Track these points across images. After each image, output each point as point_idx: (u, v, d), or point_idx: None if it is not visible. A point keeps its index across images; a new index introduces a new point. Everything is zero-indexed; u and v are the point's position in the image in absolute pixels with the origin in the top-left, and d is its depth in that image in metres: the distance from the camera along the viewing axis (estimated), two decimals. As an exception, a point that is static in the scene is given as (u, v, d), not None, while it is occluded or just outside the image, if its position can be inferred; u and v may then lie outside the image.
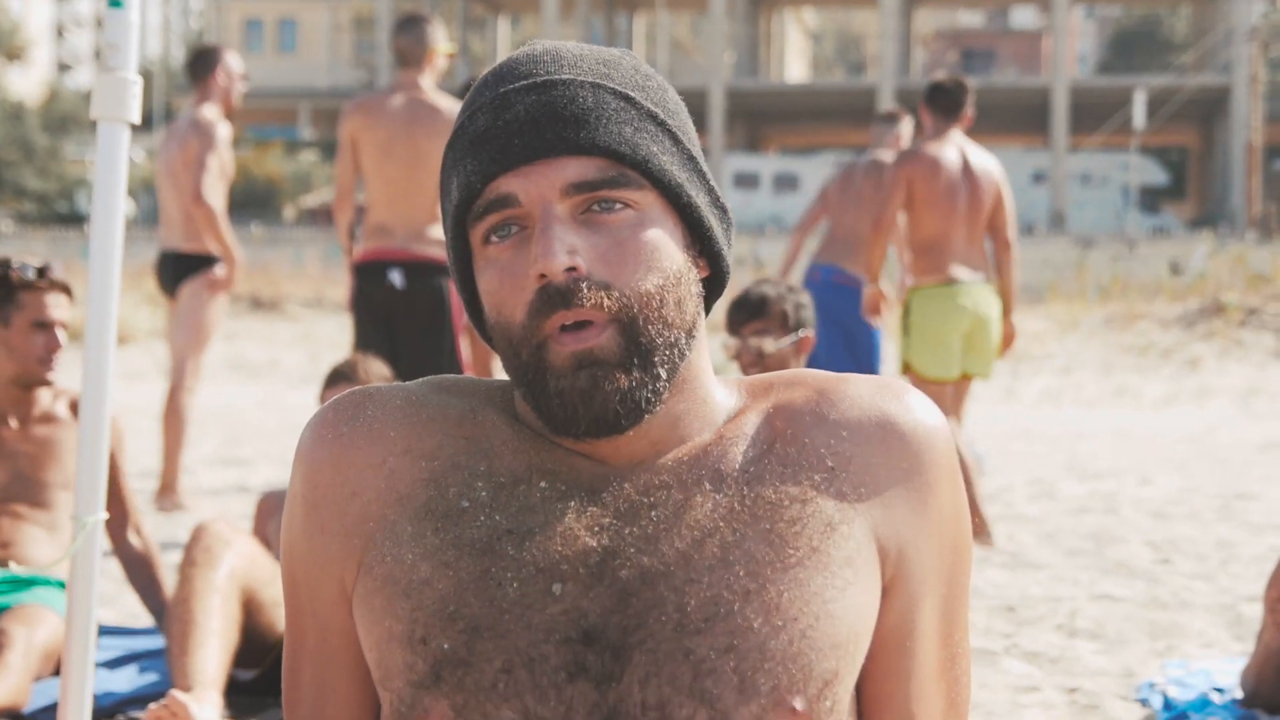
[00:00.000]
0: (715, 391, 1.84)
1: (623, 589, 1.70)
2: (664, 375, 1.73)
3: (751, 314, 5.67)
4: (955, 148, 8.66)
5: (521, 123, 1.73)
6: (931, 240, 8.51)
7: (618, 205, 1.73)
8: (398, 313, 8.17)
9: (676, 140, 1.79)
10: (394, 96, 8.31)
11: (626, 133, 1.74)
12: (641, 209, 1.74)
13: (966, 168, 8.61)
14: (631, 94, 1.77)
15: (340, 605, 1.82)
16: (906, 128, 11.10)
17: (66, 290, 5.09)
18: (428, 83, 8.35)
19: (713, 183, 1.84)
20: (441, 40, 8.42)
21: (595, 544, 1.72)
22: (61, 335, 5.05)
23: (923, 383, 8.38)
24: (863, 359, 10.52)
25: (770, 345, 5.63)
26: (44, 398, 5.18)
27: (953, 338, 8.47)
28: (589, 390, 1.70)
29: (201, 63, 9.23)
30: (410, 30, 8.39)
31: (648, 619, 1.69)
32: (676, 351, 1.74)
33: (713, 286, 1.85)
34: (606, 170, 1.72)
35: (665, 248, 1.74)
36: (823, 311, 9.17)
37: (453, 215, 1.78)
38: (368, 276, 8.25)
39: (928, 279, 8.50)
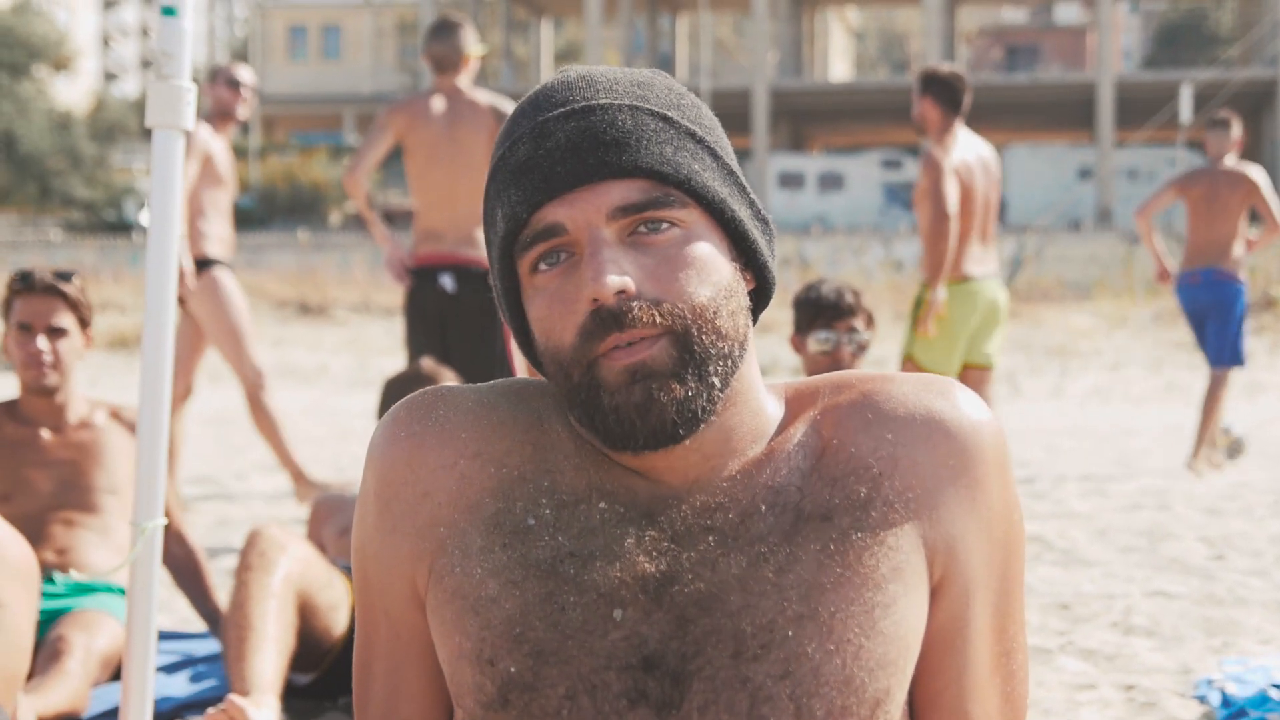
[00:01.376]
0: (766, 402, 1.85)
1: (680, 615, 1.72)
2: (718, 385, 1.74)
3: (846, 311, 5.77)
4: (969, 143, 8.70)
5: (563, 150, 1.74)
6: (929, 236, 8.59)
7: (664, 225, 1.74)
8: (449, 317, 8.22)
9: (716, 156, 1.80)
10: (434, 100, 8.37)
11: (667, 152, 1.75)
12: (687, 227, 1.75)
13: (982, 163, 8.67)
14: (669, 114, 1.78)
15: (412, 604, 1.85)
16: (1238, 129, 11.50)
17: (59, 295, 5.10)
18: (465, 83, 8.43)
19: (753, 195, 1.85)
20: (474, 44, 8.49)
21: (654, 569, 1.74)
22: (43, 342, 5.08)
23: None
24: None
25: (867, 338, 5.75)
26: (78, 407, 5.22)
27: (962, 335, 8.58)
28: (644, 403, 1.70)
29: (209, 78, 9.37)
30: (444, 37, 8.45)
31: (706, 646, 1.71)
32: (729, 363, 1.75)
33: (758, 298, 1.86)
34: (650, 191, 1.73)
35: (714, 261, 1.75)
36: (1217, 307, 11.02)
37: (499, 246, 1.79)
38: (419, 281, 8.30)
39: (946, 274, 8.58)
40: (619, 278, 1.69)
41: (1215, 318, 11.27)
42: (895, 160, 58.86)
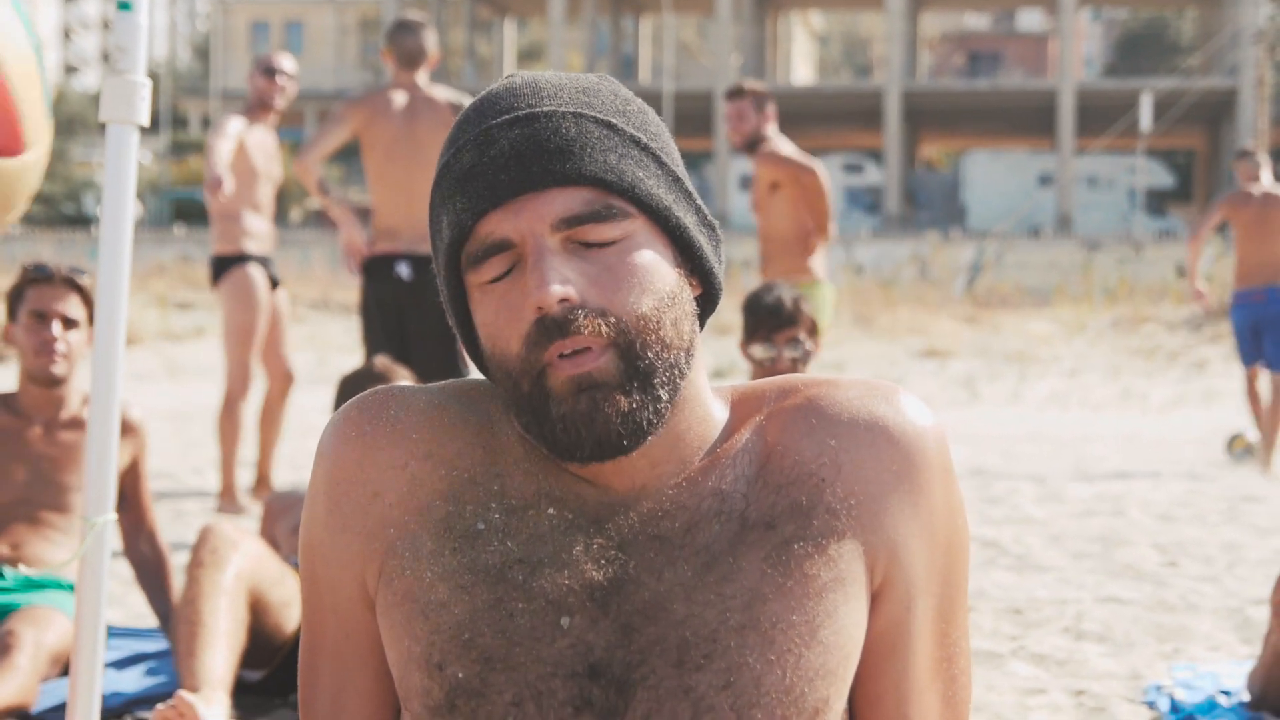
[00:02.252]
0: (713, 407, 1.85)
1: (626, 623, 1.73)
2: (664, 397, 1.74)
3: (786, 321, 5.72)
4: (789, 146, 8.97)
5: (507, 158, 1.73)
6: (799, 238, 8.82)
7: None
8: (407, 307, 8.22)
9: (661, 163, 1.80)
10: (395, 96, 8.40)
11: (611, 160, 1.75)
12: (631, 235, 1.75)
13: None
14: (613, 120, 1.78)
15: (361, 604, 1.85)
16: (1264, 158, 12.50)
17: (75, 288, 5.12)
18: (423, 79, 8.47)
19: (699, 201, 1.85)
20: (434, 44, 8.58)
21: (601, 577, 1.75)
22: (59, 328, 5.09)
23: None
24: None
25: (810, 346, 5.70)
26: (71, 401, 5.21)
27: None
28: (590, 413, 1.70)
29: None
30: (415, 32, 8.50)
31: (650, 655, 1.72)
32: (676, 372, 1.75)
33: (705, 304, 1.85)
34: (594, 200, 1.73)
35: (658, 269, 1.75)
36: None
37: (445, 253, 1.78)
38: (375, 273, 8.31)
39: (803, 277, 8.75)
40: (562, 286, 1.69)
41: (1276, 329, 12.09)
42: (857, 164, 59.03)
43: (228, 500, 8.94)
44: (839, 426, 1.81)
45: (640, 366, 1.71)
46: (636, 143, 1.78)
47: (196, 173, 60.64)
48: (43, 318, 5.10)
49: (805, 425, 1.81)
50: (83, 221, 56.27)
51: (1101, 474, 11.61)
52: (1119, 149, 55.57)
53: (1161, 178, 56.76)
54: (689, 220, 1.81)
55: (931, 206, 61.01)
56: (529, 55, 77.34)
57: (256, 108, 9.30)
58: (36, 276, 5.12)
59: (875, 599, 1.80)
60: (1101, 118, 54.65)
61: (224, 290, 9.17)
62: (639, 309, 1.72)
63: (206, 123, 66.73)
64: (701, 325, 1.84)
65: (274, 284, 9.36)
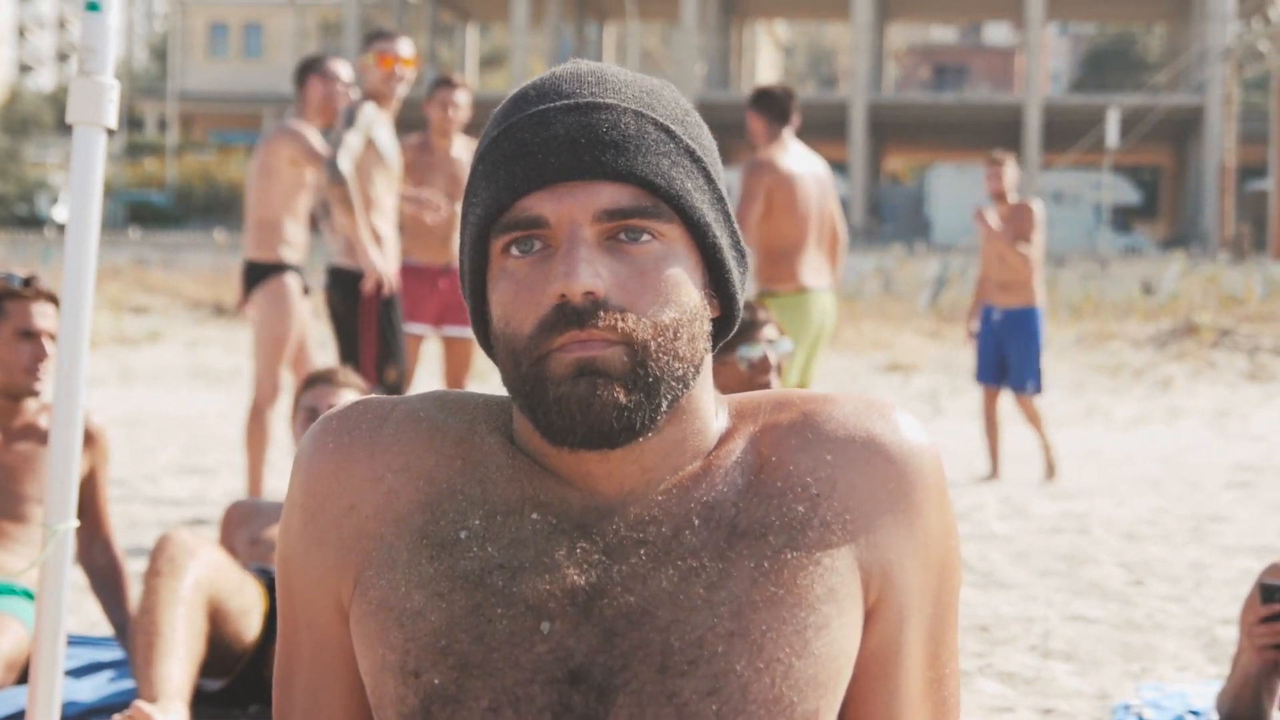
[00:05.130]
0: (711, 420, 1.82)
1: (608, 628, 1.71)
2: (663, 405, 1.72)
3: (762, 320, 5.67)
4: (797, 154, 8.87)
5: (560, 141, 1.71)
6: (786, 247, 8.73)
7: (645, 235, 1.72)
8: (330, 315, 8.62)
9: (709, 179, 1.78)
10: None
11: (664, 165, 1.73)
12: (667, 242, 1.73)
13: (814, 176, 8.87)
14: (672, 127, 1.76)
15: (336, 617, 1.83)
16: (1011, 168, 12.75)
17: (54, 300, 5.02)
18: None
19: (736, 225, 1.83)
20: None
21: (583, 582, 1.73)
22: (49, 345, 4.99)
23: None
24: None
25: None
26: (28, 410, 5.12)
27: (802, 347, 8.67)
28: (587, 397, 1.68)
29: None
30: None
31: (632, 660, 1.70)
32: (680, 385, 1.73)
33: (720, 326, 1.83)
34: (640, 199, 1.71)
35: (685, 284, 1.73)
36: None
37: (476, 226, 1.76)
38: None
39: (783, 286, 8.69)
40: (591, 279, 1.66)
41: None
42: (820, 176, 58.98)
43: None
44: (835, 443, 1.79)
45: (649, 368, 1.69)
46: (690, 153, 1.76)
47: (151, 175, 60.47)
48: (33, 335, 5.00)
49: (800, 439, 1.79)
50: (35, 222, 56.05)
51: (1066, 491, 11.61)
52: (1085, 165, 55.84)
53: (1127, 194, 57.00)
54: (724, 241, 1.79)
55: (896, 220, 61.20)
56: (491, 61, 77.40)
57: (306, 112, 9.02)
58: (21, 290, 5.01)
59: (868, 617, 1.79)
60: (1068, 133, 54.90)
61: (260, 299, 8.93)
62: (659, 318, 1.70)
63: (163, 125, 66.63)
64: (714, 346, 1.81)
65: (305, 290, 9.19)
